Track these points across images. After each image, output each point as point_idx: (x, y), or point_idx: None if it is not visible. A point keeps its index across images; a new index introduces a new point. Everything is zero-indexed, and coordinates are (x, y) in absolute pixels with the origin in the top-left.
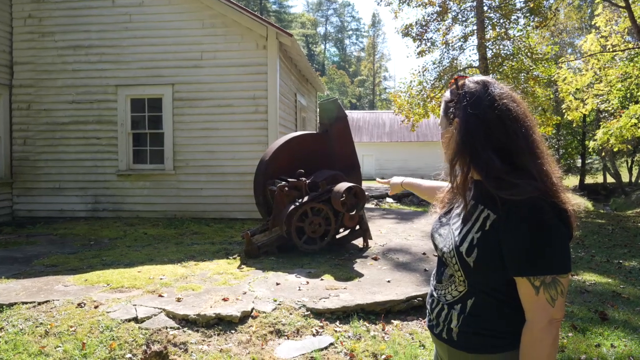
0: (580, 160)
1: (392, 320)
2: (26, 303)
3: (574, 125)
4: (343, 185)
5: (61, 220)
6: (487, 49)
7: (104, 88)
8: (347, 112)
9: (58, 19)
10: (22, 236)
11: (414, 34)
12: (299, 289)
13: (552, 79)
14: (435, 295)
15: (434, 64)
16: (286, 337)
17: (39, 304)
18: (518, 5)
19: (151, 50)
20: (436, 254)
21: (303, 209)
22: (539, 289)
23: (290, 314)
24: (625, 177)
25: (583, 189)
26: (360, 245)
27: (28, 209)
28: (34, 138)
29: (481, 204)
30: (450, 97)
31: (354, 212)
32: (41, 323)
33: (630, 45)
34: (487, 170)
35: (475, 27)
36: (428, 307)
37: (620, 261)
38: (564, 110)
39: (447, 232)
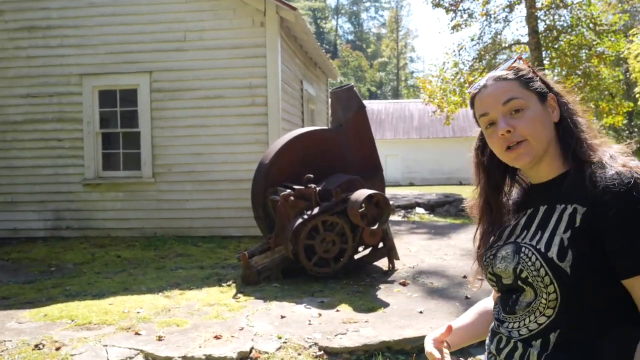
0: None
1: None
2: None
3: None
4: (362, 193)
5: (15, 241)
6: (539, 21)
7: (66, 78)
8: (365, 102)
9: None
10: None
11: (446, 4)
12: (309, 323)
13: (622, 55)
14: (503, 330)
15: (472, 40)
16: None
17: None
18: None
19: (123, 31)
20: (493, 284)
21: (313, 224)
22: None
23: (299, 354)
24: None
25: None
26: (385, 268)
27: None
28: None
29: (559, 203)
30: (530, 73)
31: (376, 226)
32: None
33: None
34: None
35: None
36: (492, 347)
37: None
38: (637, 95)
39: (513, 250)
